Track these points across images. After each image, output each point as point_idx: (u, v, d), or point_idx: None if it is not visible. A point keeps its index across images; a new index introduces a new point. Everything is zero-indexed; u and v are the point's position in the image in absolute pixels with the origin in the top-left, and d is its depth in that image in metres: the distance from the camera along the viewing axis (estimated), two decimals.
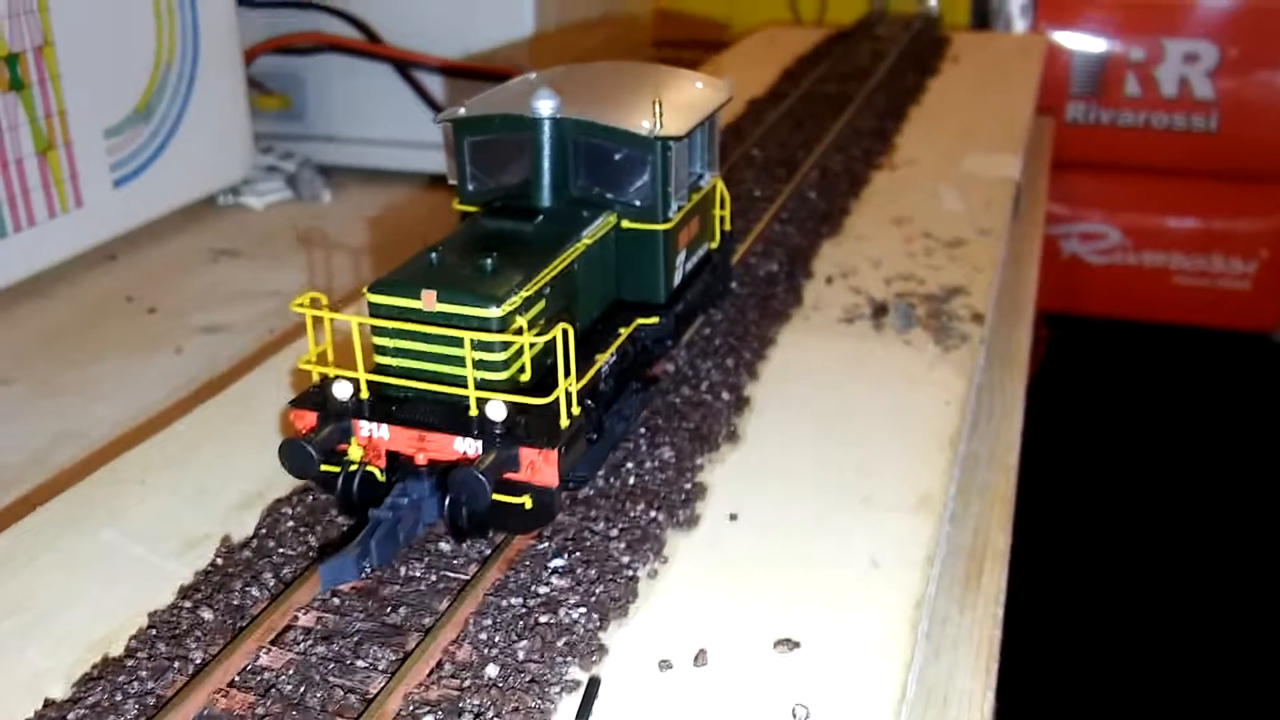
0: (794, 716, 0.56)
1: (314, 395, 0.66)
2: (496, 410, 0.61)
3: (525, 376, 0.64)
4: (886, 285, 1.06)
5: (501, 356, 0.63)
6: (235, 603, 0.63)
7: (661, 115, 0.73)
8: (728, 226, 0.89)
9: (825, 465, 0.78)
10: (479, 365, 0.62)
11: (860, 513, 0.73)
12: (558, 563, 0.65)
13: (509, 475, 0.61)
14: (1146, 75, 2.36)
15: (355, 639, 0.60)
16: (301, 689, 0.56)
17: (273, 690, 0.56)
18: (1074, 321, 2.62)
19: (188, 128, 1.48)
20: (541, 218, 0.73)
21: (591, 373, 0.67)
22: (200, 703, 0.55)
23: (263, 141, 1.70)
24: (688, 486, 0.74)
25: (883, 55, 1.90)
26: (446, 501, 0.61)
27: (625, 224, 0.76)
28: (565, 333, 0.62)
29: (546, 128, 0.74)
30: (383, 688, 0.55)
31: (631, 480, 0.73)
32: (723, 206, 0.88)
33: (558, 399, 0.62)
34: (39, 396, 1.07)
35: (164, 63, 1.43)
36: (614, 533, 0.68)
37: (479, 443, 0.61)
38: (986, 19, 2.47)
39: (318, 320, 0.65)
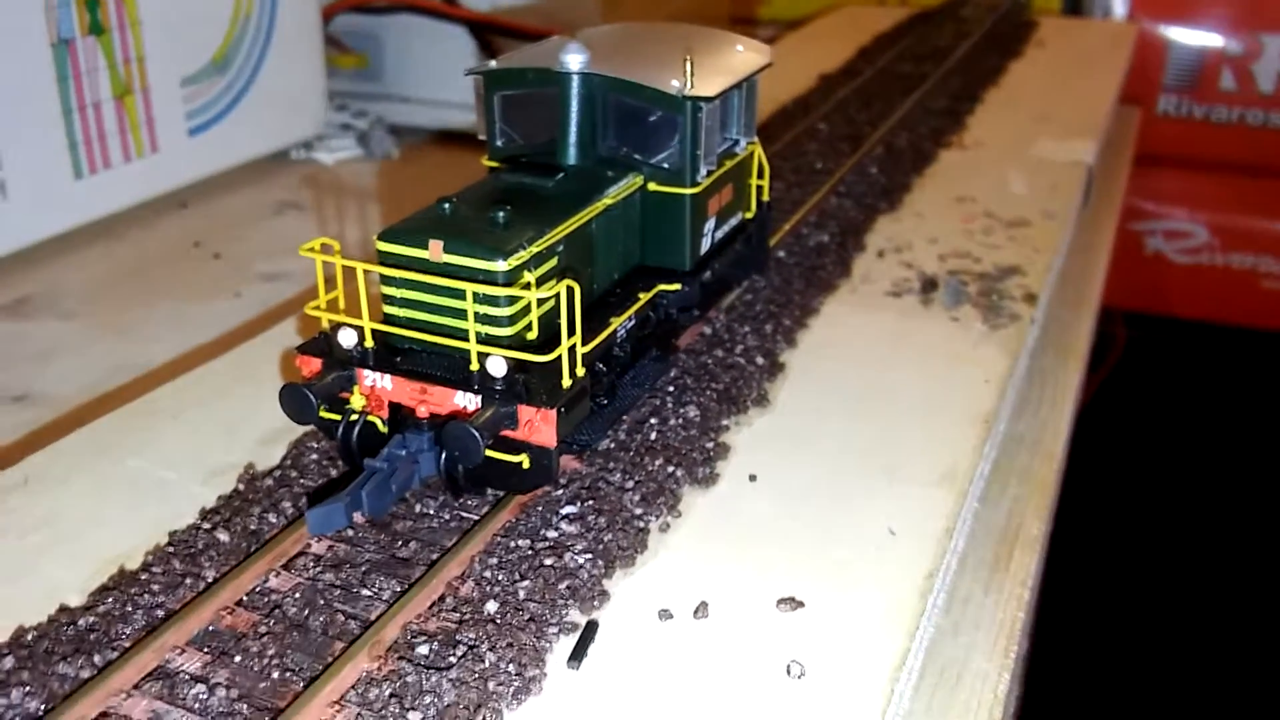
0: (789, 673, 0.56)
1: (320, 342, 0.65)
2: (497, 365, 0.60)
3: (533, 334, 0.63)
4: (940, 262, 1.04)
5: (507, 311, 0.61)
6: (253, 527, 0.64)
7: (693, 75, 0.71)
8: (766, 196, 0.87)
9: (852, 435, 0.77)
10: (484, 320, 0.61)
11: (882, 483, 0.72)
12: (569, 510, 0.65)
13: (508, 433, 0.60)
14: (1243, 70, 2.28)
15: (363, 569, 0.61)
16: (305, 612, 0.57)
17: (277, 611, 0.57)
18: (1154, 321, 2.55)
19: (263, 81, 1.50)
20: (563, 175, 0.71)
21: (603, 335, 0.66)
22: (206, 618, 0.57)
23: (338, 99, 1.73)
24: (710, 446, 0.73)
25: (965, 36, 1.87)
26: (442, 456, 0.61)
27: (652, 186, 0.73)
28: (570, 290, 0.61)
29: (575, 83, 0.71)
30: (381, 614, 0.56)
31: (654, 435, 0.73)
32: (761, 176, 0.86)
33: (560, 357, 0.60)
34: (99, 333, 1.11)
35: (243, 15, 1.46)
36: (629, 485, 0.68)
37: (479, 398, 0.60)
38: (1080, 4, 2.41)
39: (330, 266, 0.65)
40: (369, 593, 0.59)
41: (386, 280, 0.64)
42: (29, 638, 0.56)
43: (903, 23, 2.01)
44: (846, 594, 0.61)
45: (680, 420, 0.75)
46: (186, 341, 1.08)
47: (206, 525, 0.64)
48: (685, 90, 0.70)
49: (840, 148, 1.30)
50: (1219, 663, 1.80)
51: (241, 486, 0.68)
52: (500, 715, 0.52)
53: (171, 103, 1.36)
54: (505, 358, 0.60)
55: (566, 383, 0.61)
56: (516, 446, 0.60)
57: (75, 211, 1.27)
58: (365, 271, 0.63)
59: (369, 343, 0.64)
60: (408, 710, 0.51)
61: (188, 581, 0.59)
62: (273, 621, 0.57)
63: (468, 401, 0.61)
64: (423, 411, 0.62)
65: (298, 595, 0.58)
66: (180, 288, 1.21)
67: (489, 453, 0.59)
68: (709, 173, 0.74)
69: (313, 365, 0.64)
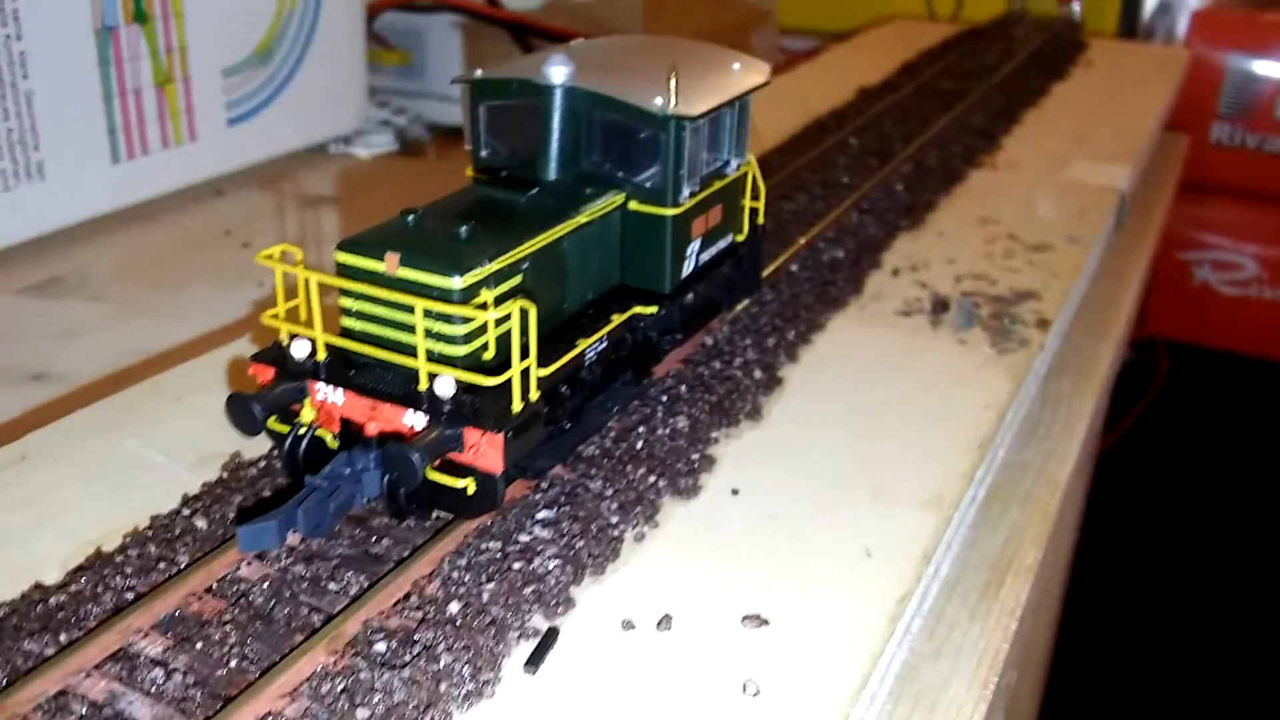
0: (744, 690, 0.55)
1: (275, 351, 0.63)
2: (445, 386, 0.58)
3: (489, 354, 0.61)
4: (955, 283, 1.03)
5: (461, 330, 0.59)
6: (231, 515, 0.65)
7: (678, 93, 0.69)
8: (761, 219, 0.84)
9: (842, 454, 0.76)
10: (437, 337, 0.59)
11: (865, 504, 0.71)
12: (545, 514, 0.65)
13: (454, 456, 0.58)
14: None
15: (334, 562, 0.61)
16: (272, 603, 0.58)
17: (244, 600, 0.58)
18: (1198, 353, 2.50)
19: (305, 75, 1.53)
20: (538, 190, 0.69)
21: (566, 359, 0.64)
22: (174, 603, 0.58)
23: (379, 96, 1.75)
24: (695, 457, 0.73)
25: (1011, 55, 1.84)
26: (384, 477, 0.59)
27: (633, 205, 0.71)
28: (524, 311, 0.58)
29: (557, 96, 0.69)
30: (342, 609, 0.57)
31: (639, 445, 0.73)
32: (755, 197, 0.83)
33: (510, 381, 0.58)
34: (125, 315, 1.13)
35: (286, 10, 1.48)
36: (609, 492, 0.68)
37: (427, 418, 0.59)
38: (1135, 28, 2.37)
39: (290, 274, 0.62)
40: (336, 587, 0.59)
41: (346, 292, 0.62)
42: (1, 614, 0.57)
43: (950, 39, 1.99)
44: (814, 613, 0.61)
45: (668, 430, 0.74)
46: (208, 326, 1.10)
47: (187, 511, 0.65)
48: (669, 108, 0.69)
49: (869, 163, 1.29)
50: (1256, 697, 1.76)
51: (225, 475, 0.69)
52: (449, 717, 0.52)
53: (212, 92, 1.39)
54: (455, 378, 0.58)
55: (517, 407, 0.59)
56: (462, 470, 0.59)
57: (111, 195, 1.29)
58: (320, 284, 0.62)
59: (321, 355, 0.62)
60: (356, 706, 0.51)
61: (161, 566, 0.60)
62: (238, 610, 0.57)
63: (416, 421, 0.59)
64: (372, 428, 0.60)
65: (266, 585, 0.59)
66: (207, 274, 1.23)
67: (433, 475, 0.58)
68: (693, 194, 0.72)
69: (266, 375, 0.63)
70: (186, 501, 0.67)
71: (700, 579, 0.63)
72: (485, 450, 0.58)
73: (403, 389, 0.60)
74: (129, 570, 0.60)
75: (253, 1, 1.43)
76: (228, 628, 0.56)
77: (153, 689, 0.52)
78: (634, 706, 0.54)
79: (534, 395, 0.60)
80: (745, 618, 0.60)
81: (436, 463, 0.58)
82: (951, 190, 1.27)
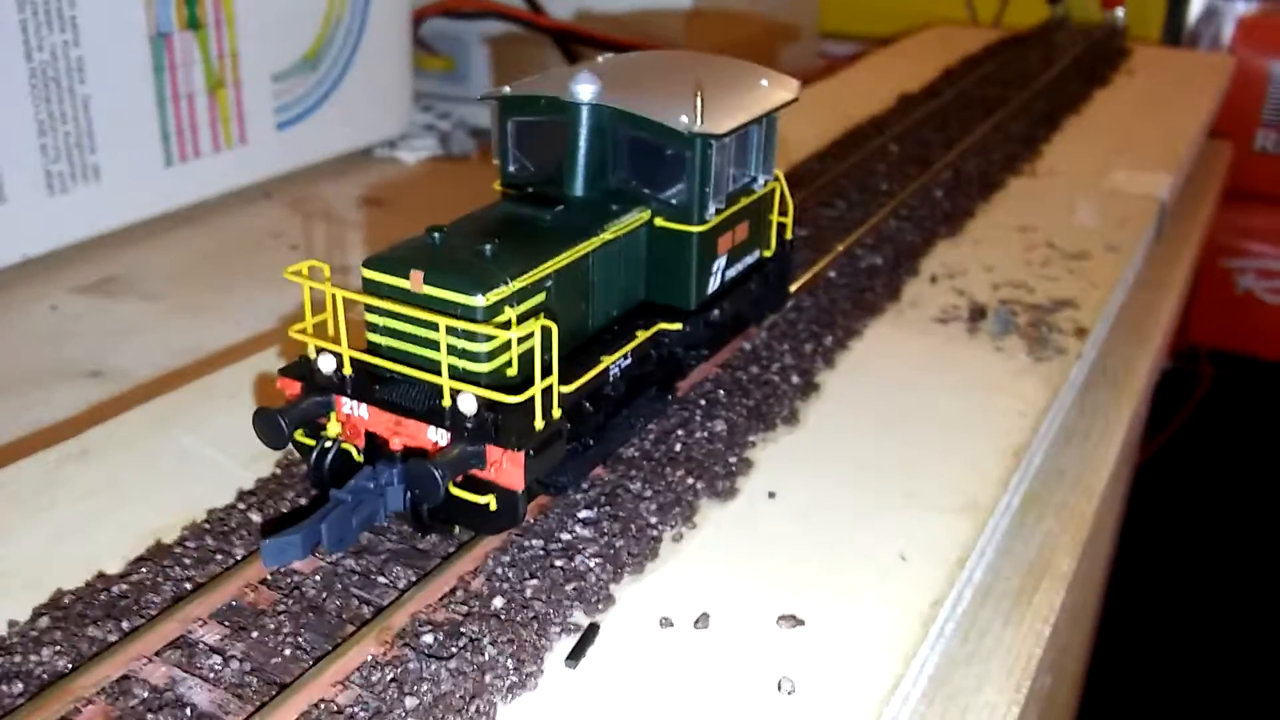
0: (779, 688, 0.57)
1: (303, 365, 0.64)
2: (468, 403, 0.58)
3: (512, 371, 0.61)
4: (993, 290, 1.04)
5: (485, 348, 0.60)
6: (284, 511, 0.67)
7: (704, 111, 0.69)
8: (789, 235, 0.85)
9: (878, 459, 0.77)
10: (461, 355, 0.60)
11: (900, 508, 0.72)
12: (586, 514, 0.67)
13: (476, 472, 0.59)
14: None
15: (383, 557, 0.63)
16: (324, 595, 0.60)
17: (297, 591, 0.60)
18: (1240, 361, 2.48)
19: (352, 80, 1.56)
20: (563, 207, 0.69)
21: (589, 376, 0.64)
22: (230, 594, 0.60)
23: (424, 100, 1.78)
24: (733, 461, 0.75)
25: (1053, 62, 1.84)
26: (407, 492, 0.59)
27: (659, 222, 0.72)
28: (546, 330, 0.59)
29: (584, 113, 0.70)
30: (391, 602, 0.59)
31: (678, 447, 0.74)
32: (783, 213, 0.83)
33: (532, 399, 0.59)
34: (176, 314, 1.16)
35: (335, 16, 1.51)
36: (648, 494, 0.69)
37: (449, 435, 0.59)
38: (1180, 35, 2.36)
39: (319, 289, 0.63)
40: (385, 580, 0.62)
41: (371, 309, 0.63)
42: (65, 600, 0.60)
43: (992, 45, 1.99)
44: (848, 615, 0.62)
45: (706, 434, 0.76)
46: (257, 327, 1.13)
47: (242, 506, 0.68)
48: (695, 126, 0.69)
49: (908, 170, 1.30)
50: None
51: (279, 471, 0.71)
52: (494, 708, 0.54)
53: (262, 97, 1.42)
54: (477, 395, 0.58)
55: (539, 425, 0.59)
56: (484, 487, 0.59)
57: (164, 198, 1.33)
58: (345, 300, 0.62)
59: (347, 370, 0.62)
60: (405, 695, 0.53)
61: (218, 558, 0.63)
62: (292, 601, 0.60)
63: (440, 437, 0.59)
64: (396, 444, 0.61)
65: (318, 578, 0.61)
66: (256, 275, 1.26)
67: (456, 491, 0.58)
68: (718, 211, 0.73)
69: (293, 389, 0.64)
70: (241, 496, 0.69)
71: (737, 579, 0.65)
72: (507, 467, 0.58)
73: (426, 405, 0.60)
74: (187, 561, 0.62)
75: (302, 9, 1.46)
76: (282, 618, 0.58)
77: (211, 675, 0.54)
78: (672, 702, 0.56)
79: (556, 413, 0.60)
80: (781, 618, 0.61)
81: (459, 479, 0.59)
82: (990, 198, 1.28)
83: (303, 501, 0.68)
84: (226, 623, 0.58)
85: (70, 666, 0.55)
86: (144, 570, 0.62)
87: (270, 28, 1.40)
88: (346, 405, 0.62)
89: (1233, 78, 1.97)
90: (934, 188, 1.25)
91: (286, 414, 0.61)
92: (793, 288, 0.95)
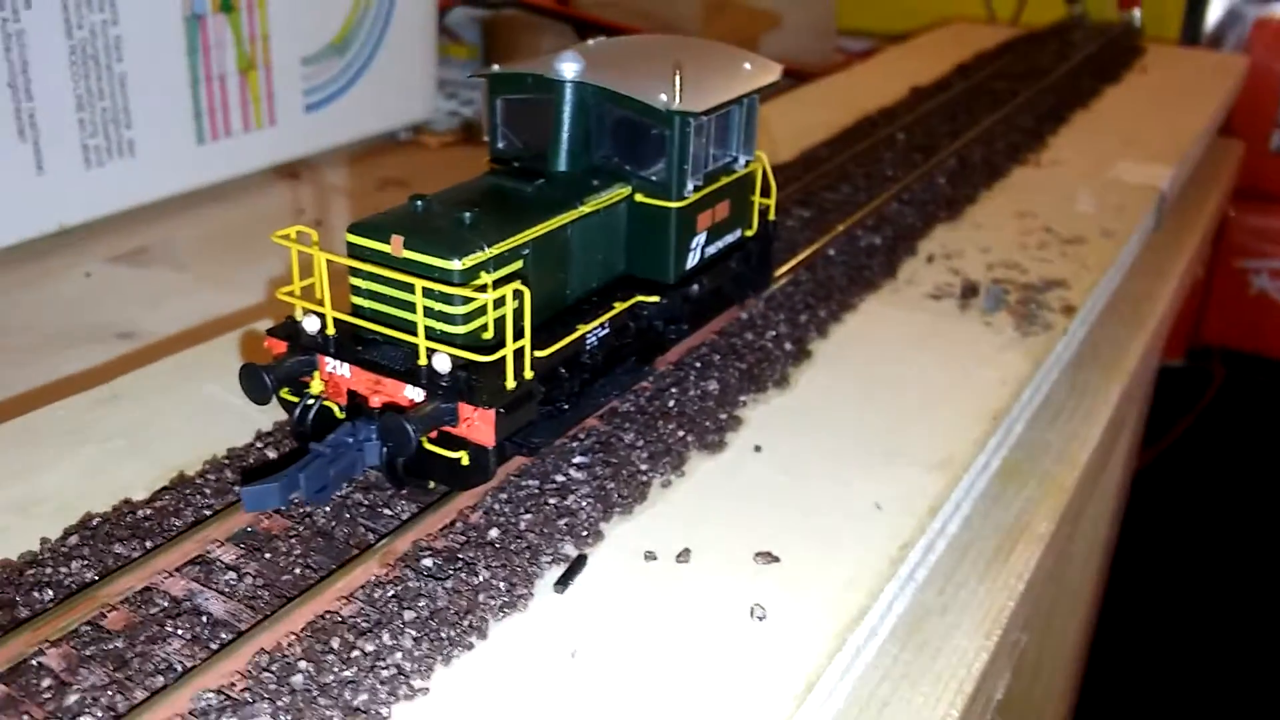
0: (751, 614, 0.61)
1: (289, 326, 0.67)
2: (442, 362, 0.61)
3: (488, 334, 0.64)
4: (987, 270, 1.08)
5: (460, 310, 0.62)
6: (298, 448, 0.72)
7: (683, 90, 0.71)
8: (772, 216, 0.87)
9: (861, 420, 0.81)
10: (438, 317, 0.62)
11: (879, 464, 0.76)
12: (580, 459, 0.71)
13: (450, 429, 0.61)
14: None
15: (389, 493, 0.68)
16: (333, 524, 0.65)
17: (308, 519, 0.65)
18: (1254, 361, 2.50)
19: (378, 66, 1.61)
20: (544, 181, 0.71)
21: (565, 341, 0.67)
22: (246, 520, 0.65)
23: (448, 88, 1.83)
24: (723, 417, 0.79)
25: (1066, 59, 1.87)
26: (383, 447, 0.62)
27: (639, 198, 0.74)
28: (518, 294, 0.62)
29: (568, 91, 0.72)
30: (395, 528, 0.63)
31: (671, 403, 0.78)
32: (766, 194, 0.85)
33: (503, 358, 0.61)
34: (204, 283, 1.21)
35: (363, 3, 1.56)
36: (640, 444, 0.73)
37: (424, 393, 0.62)
38: (1198, 35, 2.38)
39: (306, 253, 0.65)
40: (390, 513, 0.66)
41: (355, 272, 0.65)
42: (94, 522, 0.65)
43: (1007, 42, 2.02)
44: (822, 554, 0.66)
45: (699, 392, 0.80)
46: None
47: (259, 444, 0.72)
48: (673, 105, 0.71)
49: (913, 157, 1.33)
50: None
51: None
52: (486, 623, 0.59)
53: (291, 80, 1.47)
54: (452, 355, 0.61)
55: (510, 384, 0.61)
56: (457, 443, 0.62)
57: (195, 173, 1.38)
58: (327, 262, 0.65)
59: (330, 330, 0.65)
60: (404, 609, 0.58)
61: (236, 489, 0.67)
62: (303, 528, 0.64)
63: (416, 395, 0.62)
64: (376, 401, 0.63)
65: (328, 509, 0.66)
66: (280, 249, 1.30)
67: (430, 447, 0.62)
68: (697, 188, 0.75)
69: (280, 348, 0.67)
70: (259, 436, 0.74)
71: (720, 521, 0.69)
72: (479, 424, 0.61)
73: (404, 365, 0.63)
74: (208, 491, 0.67)
75: None
76: (293, 542, 0.63)
77: (226, 589, 0.59)
78: (652, 623, 0.60)
79: (528, 374, 0.63)
80: (758, 554, 0.66)
81: (434, 435, 0.62)
82: (992, 185, 1.31)
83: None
84: (242, 545, 0.63)
85: (97, 578, 0.60)
86: (167, 498, 0.66)
87: (300, 12, 1.45)
88: (329, 364, 0.65)
89: (1248, 79, 1.99)
90: (938, 175, 1.29)
91: (272, 371, 0.64)
92: (792, 262, 0.99)
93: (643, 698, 0.55)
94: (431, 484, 0.65)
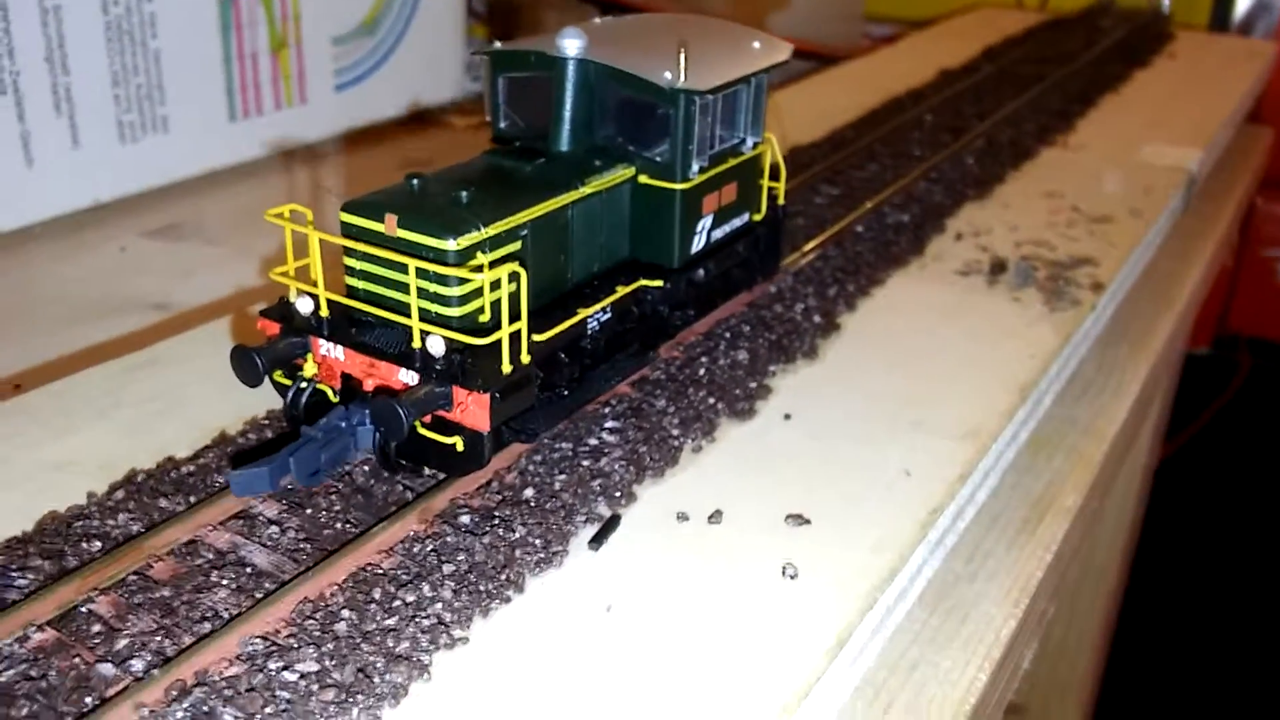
0: (783, 573, 0.62)
1: (283, 307, 0.65)
2: (436, 345, 0.59)
3: (485, 317, 0.62)
4: (1015, 248, 1.08)
5: (456, 292, 0.60)
6: None
7: (688, 67, 0.68)
8: (781, 200, 0.84)
9: (890, 391, 0.82)
10: (434, 299, 0.61)
11: (908, 433, 0.77)
12: (612, 424, 0.72)
13: (444, 414, 0.60)
14: None
15: None
16: (372, 482, 0.66)
17: (348, 477, 0.66)
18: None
19: (407, 46, 1.62)
20: (545, 160, 0.69)
21: (565, 325, 0.65)
22: (288, 478, 0.66)
23: (476, 69, 1.84)
24: (753, 386, 0.79)
25: (1094, 44, 1.87)
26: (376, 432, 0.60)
27: (643, 179, 0.72)
28: (514, 275, 0.60)
29: (570, 68, 0.70)
30: (432, 486, 0.64)
31: (701, 372, 0.79)
32: (775, 178, 0.82)
33: (499, 341, 0.59)
34: (234, 257, 1.23)
35: None
36: (671, 410, 0.74)
37: (419, 376, 0.60)
38: (1227, 22, 2.36)
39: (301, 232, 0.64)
40: (428, 473, 0.67)
41: (349, 252, 0.63)
42: (139, 479, 0.66)
43: (1035, 27, 2.01)
44: (852, 518, 0.67)
45: (729, 361, 0.81)
46: None
47: None
48: (678, 83, 0.69)
49: (942, 138, 1.34)
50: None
51: None
52: (523, 577, 0.60)
53: (322, 59, 1.48)
54: (446, 338, 0.59)
55: (506, 368, 0.59)
56: (452, 428, 0.60)
57: (227, 151, 1.39)
58: (321, 241, 0.63)
59: (324, 312, 0.63)
60: (443, 563, 0.59)
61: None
62: (343, 485, 0.65)
63: (410, 379, 0.60)
64: (369, 385, 0.62)
65: (367, 469, 0.67)
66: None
67: (424, 431, 0.60)
68: (703, 169, 0.73)
69: (272, 329, 0.65)
70: None
71: (750, 485, 0.70)
72: (473, 409, 0.59)
73: (398, 347, 0.61)
74: (247, 450, 0.68)
75: None
76: (333, 498, 0.64)
77: (269, 542, 0.60)
78: (684, 580, 0.61)
79: (525, 358, 0.61)
80: (788, 516, 0.66)
81: (428, 420, 0.60)
82: (1020, 166, 1.31)
83: None
84: (284, 500, 0.64)
85: (142, 530, 0.61)
86: (210, 455, 0.68)
87: None
88: (323, 347, 0.64)
89: (1278, 66, 1.98)
90: (965, 155, 1.29)
91: (264, 353, 0.63)
92: (820, 238, 1.00)
93: (677, 650, 0.56)
94: (426, 471, 0.64)
